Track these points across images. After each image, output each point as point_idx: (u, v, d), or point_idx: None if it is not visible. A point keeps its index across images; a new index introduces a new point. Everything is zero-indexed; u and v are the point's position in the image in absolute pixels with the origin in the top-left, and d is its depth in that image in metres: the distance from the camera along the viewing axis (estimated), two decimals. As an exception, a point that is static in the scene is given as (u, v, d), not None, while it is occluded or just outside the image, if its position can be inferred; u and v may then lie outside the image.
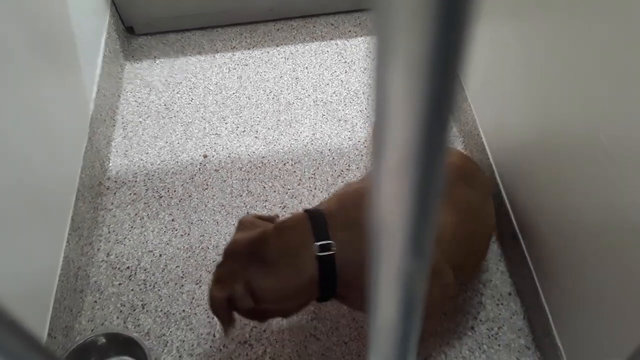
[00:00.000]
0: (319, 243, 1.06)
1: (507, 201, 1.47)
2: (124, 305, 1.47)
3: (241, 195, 1.68)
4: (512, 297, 1.44)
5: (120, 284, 1.51)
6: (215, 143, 1.81)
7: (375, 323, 0.23)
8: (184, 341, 1.41)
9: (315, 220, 1.10)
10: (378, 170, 0.16)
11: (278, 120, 1.86)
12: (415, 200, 0.16)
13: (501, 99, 1.47)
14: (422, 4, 0.12)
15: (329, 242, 1.06)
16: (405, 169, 0.15)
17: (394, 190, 0.16)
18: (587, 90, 1.03)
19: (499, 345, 1.37)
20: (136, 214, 1.66)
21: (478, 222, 1.23)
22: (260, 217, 1.19)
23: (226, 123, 1.86)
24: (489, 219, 1.29)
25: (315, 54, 2.06)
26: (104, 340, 1.34)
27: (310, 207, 1.19)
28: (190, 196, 1.69)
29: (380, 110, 0.14)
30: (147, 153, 1.80)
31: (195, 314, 1.45)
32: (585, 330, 1.14)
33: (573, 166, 1.11)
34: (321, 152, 1.76)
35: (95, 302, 1.49)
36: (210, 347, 1.40)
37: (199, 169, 1.74)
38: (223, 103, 1.92)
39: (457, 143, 1.76)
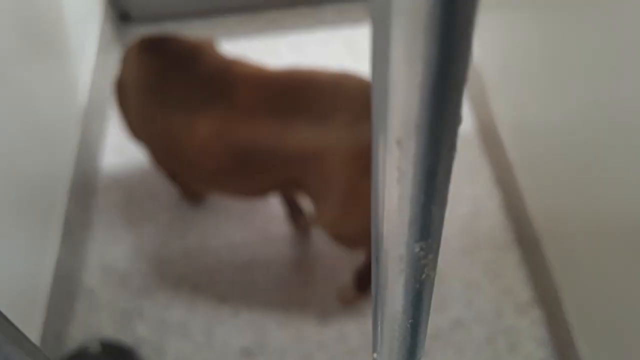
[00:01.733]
0: None
1: (526, 203, 1.46)
2: (118, 311, 1.48)
3: (243, 195, 1.68)
4: (532, 305, 1.43)
5: (114, 289, 1.52)
6: (215, 139, 1.81)
7: (380, 316, 0.23)
8: (180, 350, 1.41)
9: None
10: (380, 147, 0.16)
11: (282, 115, 1.86)
12: (422, 179, 0.16)
13: (521, 92, 1.46)
14: None
15: None
16: (411, 144, 0.15)
17: (397, 168, 0.16)
18: (615, 83, 1.03)
19: (519, 356, 1.36)
20: (131, 215, 1.66)
21: None
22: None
23: (227, 118, 1.87)
24: None
25: (322, 43, 2.06)
26: (97, 348, 1.34)
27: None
28: (188, 196, 1.69)
29: (381, 78, 0.14)
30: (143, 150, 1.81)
31: (193, 320, 1.45)
32: (610, 342, 1.13)
33: (599, 166, 1.10)
34: (328, 150, 1.76)
35: (89, 307, 1.49)
36: (208, 356, 1.40)
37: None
38: (224, 97, 1.93)
39: (473, 140, 1.75)
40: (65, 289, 1.44)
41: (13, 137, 1.27)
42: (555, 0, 1.23)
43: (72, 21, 1.69)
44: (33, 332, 1.27)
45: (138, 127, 1.29)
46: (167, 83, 1.18)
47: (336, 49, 2.04)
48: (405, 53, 0.13)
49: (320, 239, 1.57)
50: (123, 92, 1.30)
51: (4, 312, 0.97)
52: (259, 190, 1.22)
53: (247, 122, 1.10)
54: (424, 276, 0.20)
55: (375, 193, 0.18)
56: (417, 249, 0.19)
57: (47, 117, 1.46)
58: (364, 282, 1.43)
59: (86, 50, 1.80)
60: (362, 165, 1.06)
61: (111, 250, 1.60)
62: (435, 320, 1.43)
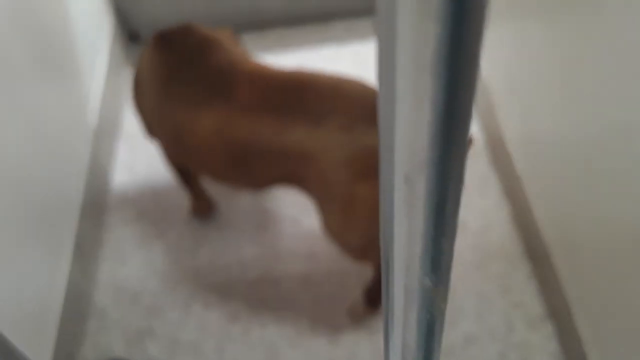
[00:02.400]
0: None
1: (536, 215, 1.45)
2: (130, 330, 1.48)
3: (251, 213, 1.68)
4: (544, 319, 1.42)
5: (125, 308, 1.52)
6: (224, 157, 1.82)
7: (392, 346, 0.22)
8: (192, 368, 1.41)
9: None
10: (388, 182, 0.16)
11: (291, 131, 1.87)
12: (431, 213, 0.16)
13: (527, 106, 1.46)
14: None
15: None
16: (420, 179, 0.15)
17: (406, 202, 0.16)
18: (622, 94, 1.02)
19: (531, 371, 1.35)
20: (142, 232, 1.67)
21: None
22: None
23: (236, 135, 1.87)
24: None
25: (330, 59, 2.07)
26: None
27: None
28: (198, 213, 1.69)
29: (388, 116, 0.14)
30: (154, 167, 1.82)
31: (205, 339, 1.44)
32: (623, 355, 1.11)
33: (608, 177, 1.09)
34: (337, 165, 1.76)
35: (100, 326, 1.49)
36: (221, 374, 1.39)
37: (207, 183, 1.75)
38: (232, 114, 1.94)
39: (482, 153, 1.75)
40: (76, 309, 1.44)
41: (25, 158, 1.27)
42: (561, 13, 1.23)
43: (82, 42, 1.71)
44: (45, 351, 1.27)
45: (150, 122, 1.30)
46: (177, 78, 1.20)
47: (344, 65, 2.05)
48: (411, 94, 0.12)
49: (329, 256, 1.56)
50: (138, 88, 1.32)
51: (19, 332, 0.98)
52: (261, 185, 1.23)
53: (246, 118, 1.11)
54: (434, 307, 0.20)
55: (384, 226, 0.18)
56: (427, 281, 0.19)
57: (58, 137, 1.47)
58: (373, 299, 1.42)
59: (96, 70, 1.81)
60: (356, 169, 1.06)
61: (122, 269, 1.60)
62: (447, 336, 1.41)
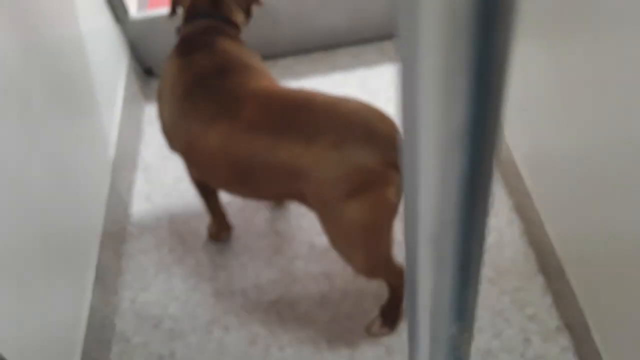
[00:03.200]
0: None
1: (548, 230, 1.44)
2: (152, 355, 1.47)
3: (267, 236, 1.68)
4: (561, 332, 1.40)
5: (147, 333, 1.52)
6: (239, 182, 1.82)
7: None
8: (214, 392, 1.39)
9: None
10: (413, 239, 0.15)
11: (302, 155, 1.87)
12: (457, 270, 0.15)
13: (535, 122, 1.45)
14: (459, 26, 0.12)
15: None
16: (447, 237, 0.14)
17: (434, 259, 0.15)
18: (626, 110, 1.01)
19: (550, 385, 1.32)
20: (161, 260, 1.67)
21: None
22: None
23: (249, 161, 1.88)
24: None
25: (338, 86, 2.08)
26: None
27: None
28: (215, 238, 1.69)
29: (414, 175, 0.14)
30: (170, 196, 1.82)
31: (225, 362, 1.44)
32: (643, 366, 1.09)
33: (619, 191, 1.08)
34: (349, 187, 1.76)
35: (122, 352, 1.49)
36: (242, 397, 1.38)
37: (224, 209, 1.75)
38: (245, 140, 1.94)
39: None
40: (99, 335, 1.44)
41: (46, 191, 1.28)
42: (565, 33, 1.23)
43: (99, 78, 1.73)
44: (70, 380, 1.26)
45: (169, 133, 1.31)
46: (193, 94, 1.21)
47: (352, 91, 2.06)
48: (439, 159, 0.12)
49: (345, 276, 1.56)
50: (160, 99, 1.33)
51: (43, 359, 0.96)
52: (268, 198, 1.24)
53: (247, 135, 1.12)
54: (461, 352, 0.19)
55: (409, 280, 0.18)
56: (453, 330, 0.18)
57: (78, 169, 1.48)
58: (390, 318, 1.41)
59: (113, 104, 1.83)
60: (346, 187, 1.05)
61: (143, 295, 1.60)
62: (464, 352, 1.39)
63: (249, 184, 1.18)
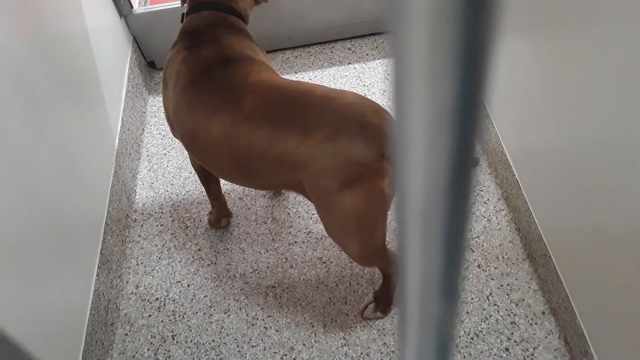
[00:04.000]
0: None
1: (535, 218, 1.44)
2: (154, 337, 1.47)
3: (266, 222, 1.68)
4: (547, 316, 1.40)
5: (150, 316, 1.52)
6: (238, 171, 1.82)
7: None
8: (214, 372, 1.40)
9: None
10: (403, 216, 0.15)
11: (300, 145, 1.86)
12: (443, 246, 0.15)
13: (524, 116, 1.45)
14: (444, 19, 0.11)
15: None
16: (435, 214, 0.14)
17: (422, 236, 0.15)
18: (611, 104, 1.01)
19: (535, 366, 1.33)
20: (163, 245, 1.67)
21: None
22: None
23: (249, 151, 1.87)
24: None
25: (334, 79, 2.07)
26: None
27: None
28: (215, 225, 1.69)
29: (402, 158, 0.13)
30: (172, 184, 1.82)
31: (225, 343, 1.44)
32: (625, 349, 1.10)
33: (602, 181, 1.08)
34: (344, 176, 1.76)
35: (126, 334, 1.49)
36: (241, 377, 1.38)
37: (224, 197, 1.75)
38: (245, 131, 1.94)
39: (482, 162, 1.74)
40: (103, 318, 1.44)
41: (54, 179, 1.28)
42: (553, 30, 1.22)
43: (105, 71, 1.72)
44: (74, 359, 1.26)
45: (173, 122, 1.30)
46: (196, 85, 1.20)
47: (347, 83, 2.05)
48: (427, 138, 0.12)
49: (340, 261, 1.56)
50: (165, 86, 1.32)
51: (49, 342, 0.97)
52: (267, 187, 1.24)
53: (246, 127, 1.11)
54: (447, 330, 0.19)
55: (401, 258, 0.17)
56: (441, 307, 0.18)
57: (84, 159, 1.47)
58: (383, 303, 1.41)
59: (118, 95, 1.82)
60: (341, 178, 1.04)
61: (146, 279, 1.60)
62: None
63: (249, 173, 1.17)
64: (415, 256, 0.16)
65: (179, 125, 1.26)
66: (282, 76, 2.10)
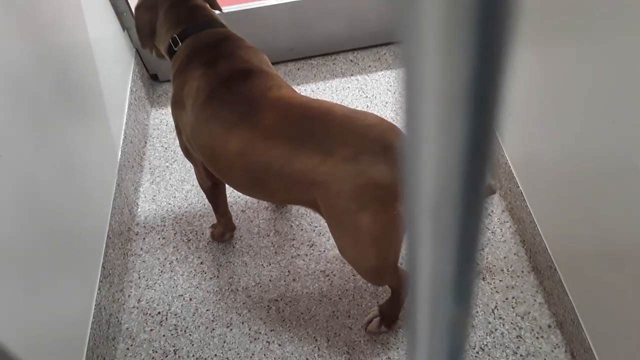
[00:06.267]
0: None
1: (540, 230, 1.43)
2: (156, 352, 1.46)
3: (268, 235, 1.67)
4: (552, 330, 1.39)
5: (151, 330, 1.51)
6: (241, 184, 1.82)
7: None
8: (216, 387, 1.38)
9: None
10: (414, 215, 0.15)
11: (302, 158, 1.86)
12: (456, 245, 0.15)
13: (528, 127, 1.45)
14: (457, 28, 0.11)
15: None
16: (447, 211, 0.14)
17: (434, 234, 0.15)
18: (615, 114, 1.01)
19: (542, 380, 1.31)
20: (165, 259, 1.66)
21: None
22: None
23: (251, 163, 1.87)
24: None
25: (337, 91, 2.07)
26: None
27: None
28: (218, 238, 1.69)
29: (413, 152, 0.13)
30: (175, 197, 1.82)
31: (227, 358, 1.43)
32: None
33: (607, 192, 1.08)
34: (347, 188, 1.75)
35: (128, 349, 1.48)
36: (244, 392, 1.37)
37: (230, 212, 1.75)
38: (247, 144, 1.94)
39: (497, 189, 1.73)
40: (105, 332, 1.43)
41: (57, 191, 1.28)
42: (557, 41, 1.23)
43: (107, 84, 1.72)
44: (77, 375, 1.25)
45: (188, 137, 1.29)
46: (215, 99, 1.19)
47: (349, 94, 2.05)
48: (439, 132, 0.12)
49: (344, 274, 1.55)
50: (179, 104, 1.31)
51: (50, 357, 0.96)
52: (281, 202, 1.23)
53: (265, 144, 1.10)
54: (459, 333, 0.19)
55: (412, 257, 0.17)
56: (453, 310, 0.18)
57: (87, 171, 1.47)
58: (389, 318, 1.40)
59: (121, 109, 1.83)
60: (360, 200, 1.03)
61: (148, 292, 1.59)
62: (459, 348, 1.38)
63: (265, 189, 1.17)
64: (426, 254, 0.15)
65: (197, 139, 1.25)
66: (285, 89, 2.10)
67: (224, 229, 1.64)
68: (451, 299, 0.17)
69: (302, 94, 2.07)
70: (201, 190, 1.82)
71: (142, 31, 1.41)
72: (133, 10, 1.45)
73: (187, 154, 1.40)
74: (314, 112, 1.10)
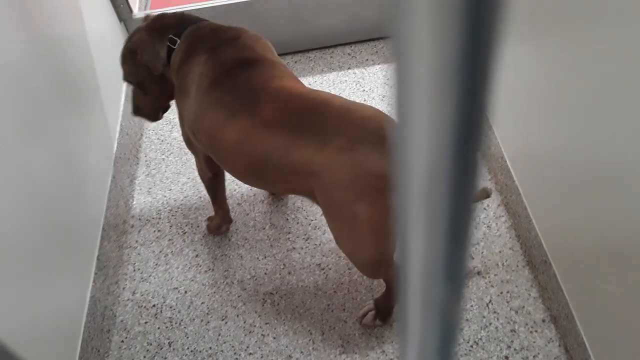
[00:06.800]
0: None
1: (535, 224, 1.44)
2: (151, 344, 1.47)
3: (264, 228, 1.67)
4: (547, 324, 1.40)
5: (146, 323, 1.51)
6: (237, 177, 1.82)
7: (409, 357, 0.21)
8: (211, 379, 1.39)
9: None
10: (405, 194, 0.15)
11: (299, 151, 1.86)
12: (447, 222, 0.15)
13: (524, 121, 1.45)
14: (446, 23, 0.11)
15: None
16: (438, 191, 0.14)
17: (425, 214, 0.15)
18: (613, 110, 1.01)
19: (536, 374, 1.32)
20: (160, 251, 1.66)
21: None
22: None
23: (247, 157, 1.87)
24: None
25: (334, 84, 2.07)
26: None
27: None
28: (213, 231, 1.69)
29: (404, 132, 0.13)
30: (171, 189, 1.82)
31: (222, 351, 1.43)
32: (626, 357, 1.09)
33: (602, 187, 1.08)
34: (343, 182, 1.75)
35: (122, 341, 1.48)
36: (238, 384, 1.37)
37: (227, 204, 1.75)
38: (244, 137, 1.94)
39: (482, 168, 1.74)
40: (100, 324, 1.43)
41: (53, 183, 1.27)
42: (554, 36, 1.23)
43: (104, 75, 1.72)
44: (71, 367, 1.25)
45: (191, 125, 1.29)
46: (218, 86, 1.19)
47: (347, 88, 2.05)
48: (428, 114, 0.12)
49: (339, 268, 1.55)
50: (183, 92, 1.30)
51: (44, 348, 0.97)
52: (279, 192, 1.24)
53: (263, 134, 1.11)
54: (451, 316, 0.19)
55: (403, 240, 0.17)
56: (445, 292, 0.18)
57: (83, 163, 1.47)
58: (384, 312, 1.41)
59: (117, 100, 1.82)
60: (357, 190, 1.04)
61: (143, 285, 1.59)
62: (454, 342, 1.39)
63: (263, 178, 1.17)
64: (417, 235, 0.15)
65: (199, 125, 1.25)
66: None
67: (220, 222, 1.64)
68: (442, 280, 0.17)
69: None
70: (197, 183, 1.82)
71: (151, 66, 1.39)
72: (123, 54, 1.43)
73: (189, 144, 1.40)
74: (312, 103, 1.11)
